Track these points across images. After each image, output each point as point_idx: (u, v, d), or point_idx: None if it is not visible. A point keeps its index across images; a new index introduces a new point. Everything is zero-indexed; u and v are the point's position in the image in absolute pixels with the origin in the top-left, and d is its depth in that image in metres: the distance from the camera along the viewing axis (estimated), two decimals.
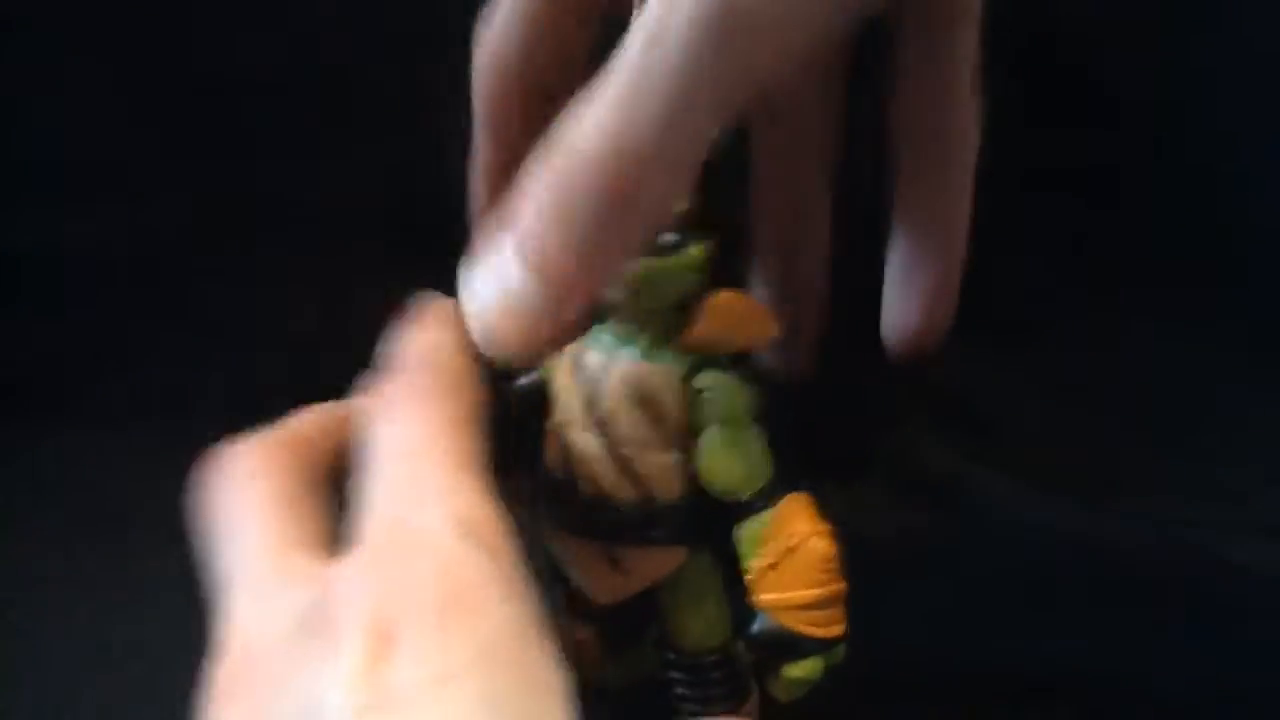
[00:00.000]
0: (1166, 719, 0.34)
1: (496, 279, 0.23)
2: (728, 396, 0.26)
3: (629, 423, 0.26)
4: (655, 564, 0.27)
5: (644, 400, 0.26)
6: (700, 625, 0.28)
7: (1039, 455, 0.47)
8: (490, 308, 0.23)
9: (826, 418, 0.49)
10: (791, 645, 0.25)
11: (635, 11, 0.21)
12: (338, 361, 0.46)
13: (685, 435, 0.26)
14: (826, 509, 0.30)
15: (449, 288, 0.45)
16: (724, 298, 0.26)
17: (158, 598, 0.40)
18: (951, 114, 0.27)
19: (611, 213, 0.22)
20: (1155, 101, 0.46)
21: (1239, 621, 0.38)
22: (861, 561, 0.41)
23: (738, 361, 0.26)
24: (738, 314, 0.26)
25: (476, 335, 0.24)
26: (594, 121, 0.21)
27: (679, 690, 0.28)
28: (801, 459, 0.48)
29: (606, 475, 0.26)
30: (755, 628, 0.25)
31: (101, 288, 0.47)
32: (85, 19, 0.44)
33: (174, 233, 0.46)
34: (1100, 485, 0.45)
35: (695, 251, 0.26)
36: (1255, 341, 0.47)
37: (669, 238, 0.25)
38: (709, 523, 0.26)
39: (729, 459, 0.25)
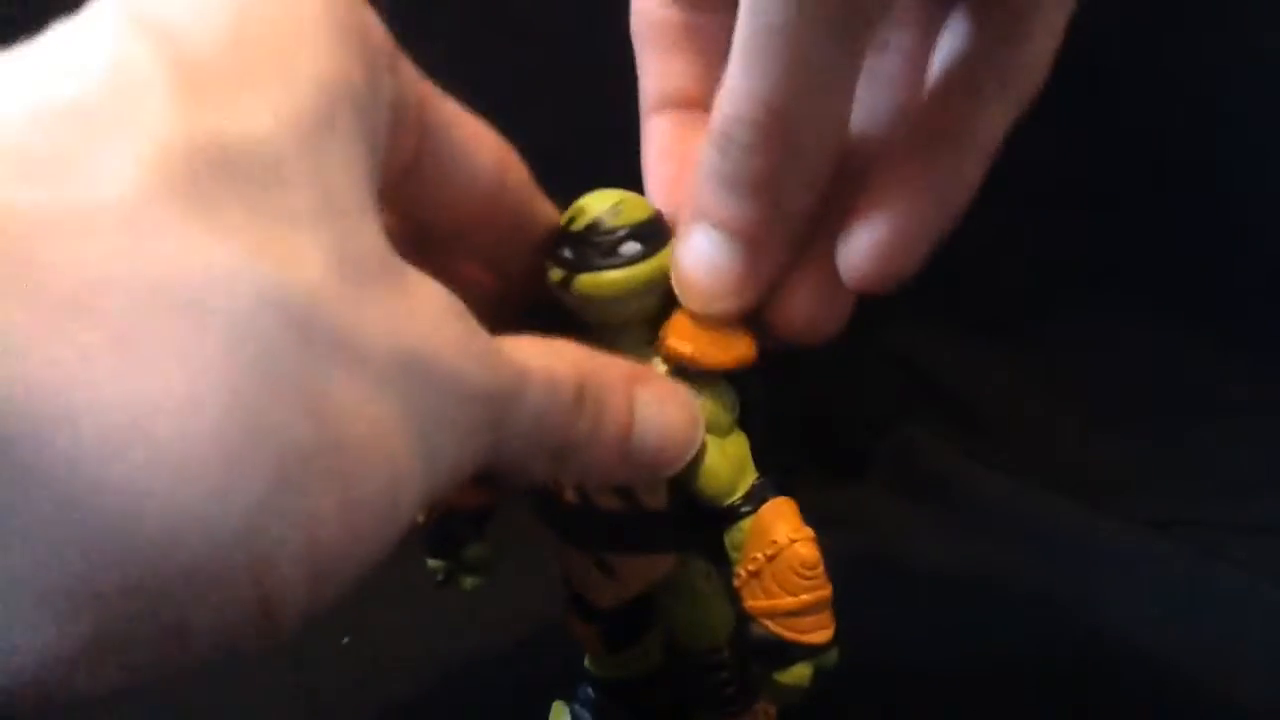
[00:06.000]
0: (1166, 717, 0.35)
1: (695, 254, 0.24)
2: (710, 402, 0.25)
3: None
4: (645, 569, 0.27)
5: None
6: (702, 626, 0.28)
7: (1039, 455, 0.47)
8: (700, 279, 0.24)
9: (826, 417, 0.49)
10: (780, 652, 0.24)
11: None
12: None
13: None
14: (826, 509, 0.29)
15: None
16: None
17: None
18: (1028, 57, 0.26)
19: (779, 166, 0.22)
20: (1155, 101, 0.46)
21: (1239, 621, 0.38)
22: (861, 561, 0.41)
23: None
24: (711, 330, 0.25)
25: (695, 305, 0.24)
26: (737, 87, 0.22)
27: (689, 690, 0.28)
28: (803, 458, 0.48)
29: None
30: (746, 635, 0.25)
31: None
32: None
33: None
34: (1099, 485, 0.45)
35: (664, 257, 0.25)
36: (1255, 341, 0.47)
37: (635, 247, 0.24)
38: (698, 528, 0.26)
39: (712, 465, 0.25)
